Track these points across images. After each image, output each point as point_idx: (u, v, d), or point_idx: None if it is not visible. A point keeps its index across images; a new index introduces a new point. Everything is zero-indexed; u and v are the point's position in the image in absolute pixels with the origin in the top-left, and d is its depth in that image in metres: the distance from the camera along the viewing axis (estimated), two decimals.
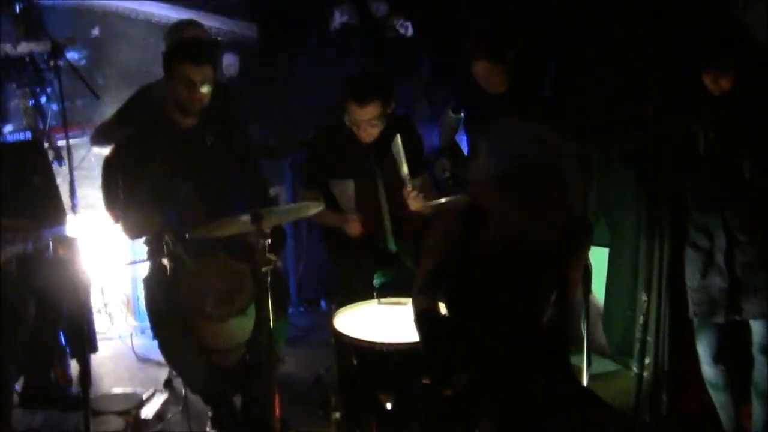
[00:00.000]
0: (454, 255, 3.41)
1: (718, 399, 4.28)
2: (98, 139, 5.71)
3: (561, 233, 3.33)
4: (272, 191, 6.40)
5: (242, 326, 4.18)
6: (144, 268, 4.75)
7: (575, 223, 3.41)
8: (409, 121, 5.31)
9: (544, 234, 3.29)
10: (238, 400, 4.59)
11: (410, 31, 7.06)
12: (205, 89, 4.49)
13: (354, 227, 4.95)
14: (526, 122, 3.21)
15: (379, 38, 7.18)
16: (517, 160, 3.08)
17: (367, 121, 4.84)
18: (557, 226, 3.29)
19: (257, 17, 7.71)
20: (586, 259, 4.09)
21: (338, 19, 7.17)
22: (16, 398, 4.72)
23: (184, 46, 4.73)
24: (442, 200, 4.74)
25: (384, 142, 4.96)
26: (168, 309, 4.29)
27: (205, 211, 4.37)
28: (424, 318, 3.47)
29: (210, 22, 7.43)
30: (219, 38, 7.32)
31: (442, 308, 3.63)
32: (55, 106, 5.80)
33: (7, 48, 5.61)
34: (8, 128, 5.94)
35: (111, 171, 5.22)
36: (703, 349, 4.25)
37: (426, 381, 3.39)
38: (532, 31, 5.87)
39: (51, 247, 4.33)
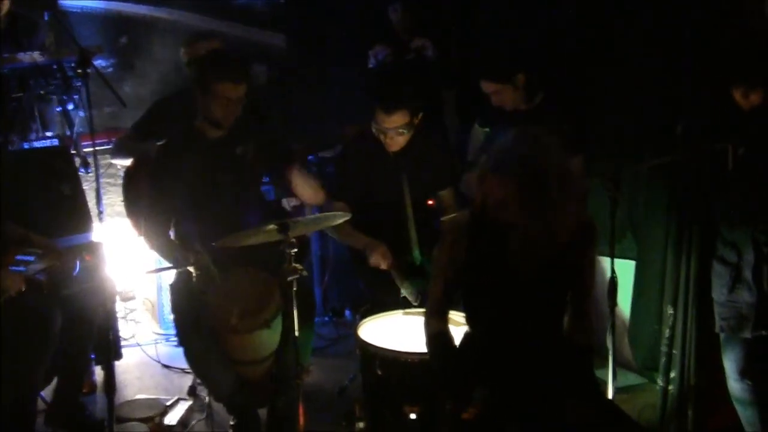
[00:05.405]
0: (465, 271, 3.41)
1: (745, 414, 4.24)
2: (118, 152, 5.75)
3: (568, 236, 3.32)
4: (298, 200, 6.40)
5: (268, 339, 4.17)
6: (169, 276, 4.77)
7: (581, 224, 3.39)
8: (438, 132, 5.30)
9: (552, 238, 3.28)
10: (261, 409, 4.59)
11: (431, 53, 7.06)
12: (238, 107, 4.52)
13: (378, 260, 4.86)
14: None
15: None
16: (513, 161, 3.08)
17: (393, 129, 4.84)
18: (563, 228, 3.28)
19: (286, 28, 7.74)
20: (613, 271, 4.10)
21: (373, 61, 7.18)
22: (41, 404, 4.73)
23: (222, 65, 4.58)
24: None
25: (411, 152, 4.96)
26: (193, 317, 4.29)
27: (233, 220, 4.38)
28: (435, 342, 3.50)
29: (238, 32, 7.48)
30: (246, 48, 7.36)
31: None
32: (82, 113, 5.82)
33: (36, 56, 5.64)
34: (35, 135, 5.96)
35: (133, 183, 5.27)
36: (730, 364, 4.22)
37: (448, 405, 3.39)
38: (557, 48, 5.87)
39: (78, 266, 4.37)
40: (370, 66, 7.15)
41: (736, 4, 4.51)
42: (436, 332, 3.50)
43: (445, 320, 3.55)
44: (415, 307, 4.45)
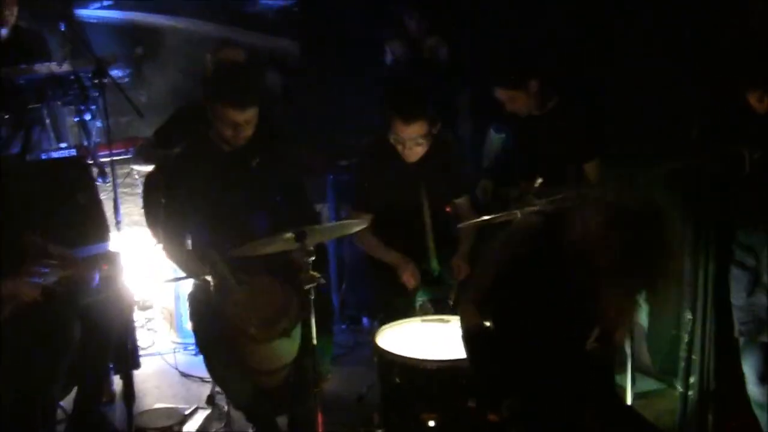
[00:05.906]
0: (511, 275, 3.37)
1: (765, 419, 4.23)
2: (139, 158, 5.78)
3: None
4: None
5: (286, 348, 4.16)
6: (187, 284, 4.78)
7: None
8: (454, 141, 5.27)
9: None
10: (280, 418, 4.59)
11: (444, 55, 7.10)
12: (249, 129, 4.45)
13: (408, 278, 4.84)
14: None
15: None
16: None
17: (412, 139, 4.80)
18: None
19: (299, 35, 7.76)
20: None
21: (390, 56, 7.21)
22: (61, 414, 4.74)
23: (227, 90, 4.43)
24: (486, 217, 4.67)
25: (429, 161, 4.94)
26: (212, 326, 4.29)
27: (246, 230, 4.38)
28: (474, 335, 3.39)
29: (252, 39, 7.50)
30: (261, 57, 7.38)
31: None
32: (99, 123, 5.85)
33: (53, 66, 5.68)
34: (53, 145, 6.00)
35: (152, 191, 5.28)
36: (749, 369, 4.21)
37: (471, 404, 3.36)
38: (557, 48, 5.87)
39: (97, 277, 4.37)
40: (388, 62, 7.18)
41: (736, 4, 4.51)
42: (476, 325, 3.38)
43: (481, 314, 3.48)
44: (433, 313, 4.45)
